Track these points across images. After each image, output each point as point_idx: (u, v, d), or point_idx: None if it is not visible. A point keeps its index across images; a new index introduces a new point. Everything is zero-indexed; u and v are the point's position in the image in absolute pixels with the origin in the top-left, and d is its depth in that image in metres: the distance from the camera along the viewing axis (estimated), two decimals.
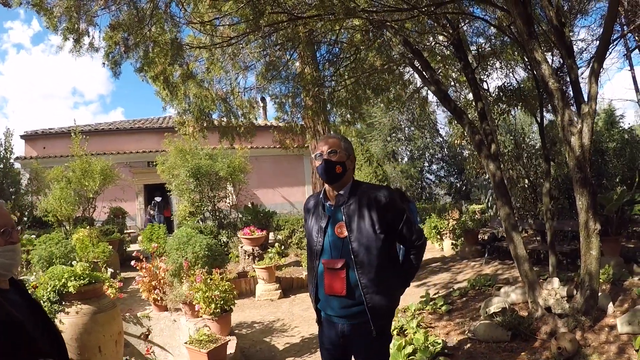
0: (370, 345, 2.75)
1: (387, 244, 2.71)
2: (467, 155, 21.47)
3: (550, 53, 7.86)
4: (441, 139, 26.66)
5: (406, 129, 25.63)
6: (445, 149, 26.41)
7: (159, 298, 6.65)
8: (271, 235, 13.42)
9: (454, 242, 12.02)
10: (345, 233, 2.70)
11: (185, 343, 4.59)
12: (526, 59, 8.12)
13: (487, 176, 18.28)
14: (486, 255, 10.41)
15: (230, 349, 4.84)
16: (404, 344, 4.61)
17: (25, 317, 1.81)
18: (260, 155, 19.40)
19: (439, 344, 4.77)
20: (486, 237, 11.69)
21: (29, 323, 1.80)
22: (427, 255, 12.02)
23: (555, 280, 5.83)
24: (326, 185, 2.86)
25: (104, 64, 6.03)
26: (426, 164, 26.77)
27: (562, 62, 7.27)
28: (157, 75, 6.23)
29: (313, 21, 5.88)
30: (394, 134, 25.19)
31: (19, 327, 1.72)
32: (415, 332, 4.97)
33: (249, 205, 14.50)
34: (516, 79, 9.18)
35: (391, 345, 4.79)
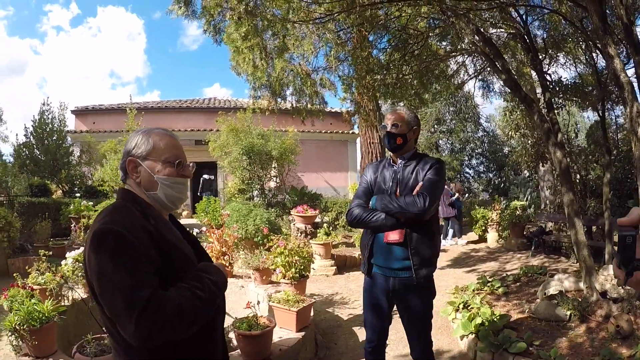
0: (416, 298, 3.13)
1: None
2: (508, 151, 21.37)
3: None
4: (482, 133, 26.54)
5: (449, 121, 25.55)
6: (486, 144, 26.30)
7: (227, 264, 6.94)
8: (317, 217, 13.67)
9: (500, 233, 12.15)
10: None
11: (272, 302, 4.79)
12: (587, 55, 8.25)
13: (527, 174, 18.25)
14: (533, 248, 10.53)
15: (311, 311, 5.05)
16: (472, 315, 4.89)
17: (186, 247, 1.90)
18: (306, 139, 19.25)
19: (505, 317, 5.04)
20: (532, 231, 11.78)
21: (189, 252, 1.88)
22: (471, 246, 12.29)
23: (611, 267, 6.01)
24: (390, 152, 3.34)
25: (204, 31, 6.39)
26: (466, 158, 26.66)
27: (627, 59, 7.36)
28: (253, 46, 6.49)
29: (405, 5, 6.10)
30: (436, 125, 25.17)
31: (183, 254, 1.80)
32: (480, 307, 5.23)
33: (294, 186, 14.84)
34: (579, 73, 9.21)
35: (460, 316, 5.08)
